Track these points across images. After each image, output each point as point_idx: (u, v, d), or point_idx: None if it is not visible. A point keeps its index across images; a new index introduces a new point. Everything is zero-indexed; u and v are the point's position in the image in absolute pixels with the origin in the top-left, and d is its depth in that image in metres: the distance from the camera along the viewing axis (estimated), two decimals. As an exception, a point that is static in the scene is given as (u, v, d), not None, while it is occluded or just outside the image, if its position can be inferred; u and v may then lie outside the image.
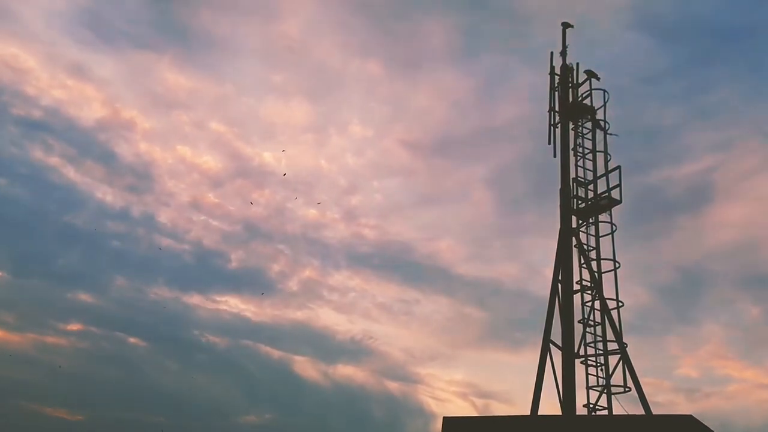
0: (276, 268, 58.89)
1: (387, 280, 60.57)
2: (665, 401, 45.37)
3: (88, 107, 58.99)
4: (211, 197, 61.19)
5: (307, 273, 59.09)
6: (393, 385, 54.45)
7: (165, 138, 62.93)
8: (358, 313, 58.57)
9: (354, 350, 56.21)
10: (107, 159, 57.15)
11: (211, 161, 62.29)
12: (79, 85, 58.98)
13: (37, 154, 54.07)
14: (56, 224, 52.58)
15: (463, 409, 53.86)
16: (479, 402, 52.49)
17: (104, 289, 52.12)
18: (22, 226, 50.75)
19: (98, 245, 53.78)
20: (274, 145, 64.82)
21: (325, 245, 59.82)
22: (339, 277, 59.34)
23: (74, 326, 50.61)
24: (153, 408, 46.08)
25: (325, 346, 55.52)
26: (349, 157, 64.50)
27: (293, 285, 58.53)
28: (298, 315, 57.15)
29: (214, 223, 59.70)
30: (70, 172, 55.27)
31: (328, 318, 58.02)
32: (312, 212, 61.23)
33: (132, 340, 51.00)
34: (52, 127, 55.43)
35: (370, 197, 63.84)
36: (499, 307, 55.72)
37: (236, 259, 58.89)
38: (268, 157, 62.77)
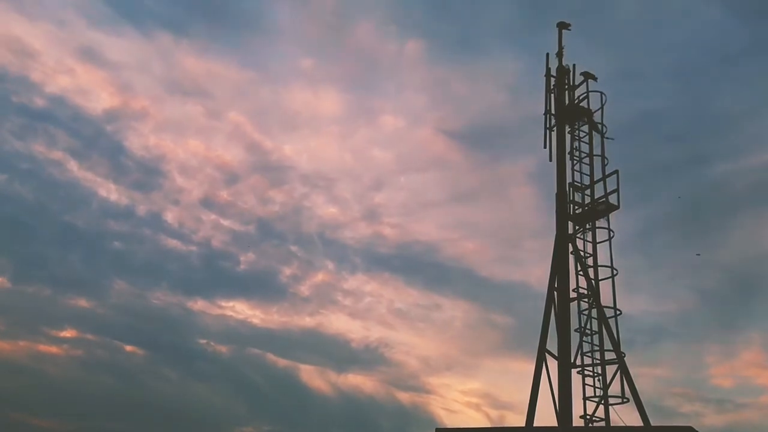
0: (288, 271, 55.50)
1: (406, 283, 56.81)
2: (691, 412, 42.95)
3: (97, 95, 55.62)
4: (224, 194, 57.39)
5: (321, 276, 55.88)
6: (404, 396, 51.43)
7: (178, 130, 59.48)
8: (373, 319, 54.88)
9: (367, 359, 53.07)
10: (114, 153, 53.57)
11: (226, 155, 58.58)
12: (88, 70, 55.47)
13: (40, 147, 50.96)
14: (55, 224, 50.03)
15: (475, 420, 51.59)
16: (494, 413, 49.22)
17: (102, 294, 49.70)
18: (21, 226, 48.41)
19: (99, 247, 51.21)
20: (296, 138, 61.55)
21: (342, 246, 56.24)
22: (354, 281, 55.73)
23: (68, 333, 48.60)
24: (146, 419, 44.36)
25: (336, 355, 52.66)
26: (377, 151, 60.69)
27: (305, 289, 55.18)
28: (309, 321, 54.15)
29: (225, 222, 55.88)
30: (74, 167, 52.08)
31: (341, 324, 54.59)
32: (331, 211, 57.80)
33: (128, 348, 48.89)
34: (56, 117, 52.04)
35: (396, 194, 59.56)
36: (527, 312, 51.10)
37: (246, 261, 55.47)
38: (288, 150, 59.21)
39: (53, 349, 47.14)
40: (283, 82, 62.87)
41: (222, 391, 48.48)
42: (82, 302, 48.81)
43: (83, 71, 54.99)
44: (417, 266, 55.80)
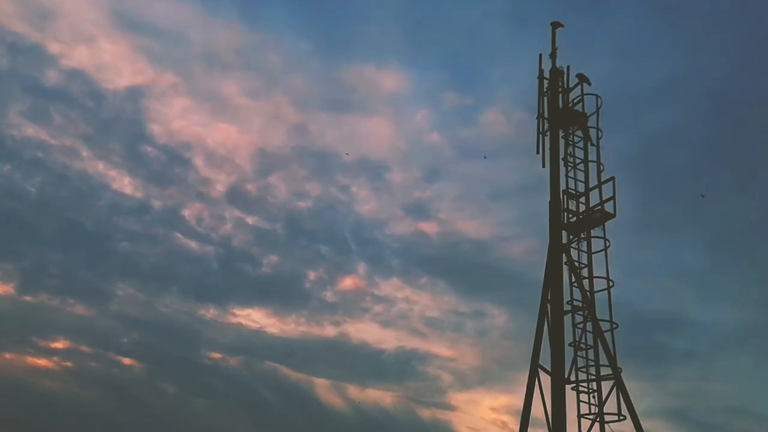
0: (313, 275, 49.89)
1: (447, 288, 51.29)
2: (740, 430, 40.70)
3: (119, 70, 50.80)
4: (252, 187, 51.06)
5: (350, 281, 50.74)
6: (425, 413, 47.11)
7: (210, 111, 53.53)
8: (405, 328, 49.63)
9: (395, 372, 48.29)
10: (133, 139, 48.06)
11: (260, 141, 52.78)
12: (114, 39, 49.94)
13: (50, 131, 46.13)
14: (58, 222, 45.75)
15: (496, 439, 47.34)
16: (521, 432, 47.68)
17: (104, 301, 45.55)
18: (20, 225, 44.50)
19: (105, 248, 46.54)
20: (345, 120, 55.29)
21: (378, 246, 50.06)
22: (388, 287, 50.02)
23: (60, 344, 44.63)
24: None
25: (359, 368, 48.12)
26: (436, 134, 53.98)
27: (331, 296, 49.71)
28: (331, 331, 49.09)
29: (250, 220, 49.68)
30: (86, 156, 47.26)
31: (367, 334, 49.47)
32: (371, 206, 52.44)
33: (126, 361, 44.64)
34: (71, 96, 47.00)
35: (451, 185, 53.19)
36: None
37: (268, 264, 49.38)
38: (334, 135, 53.62)
39: (43, 361, 43.68)
40: (341, 55, 55.89)
41: (227, 409, 44.65)
42: (80, 309, 44.95)
43: (107, 41, 49.21)
44: (462, 269, 49.94)
